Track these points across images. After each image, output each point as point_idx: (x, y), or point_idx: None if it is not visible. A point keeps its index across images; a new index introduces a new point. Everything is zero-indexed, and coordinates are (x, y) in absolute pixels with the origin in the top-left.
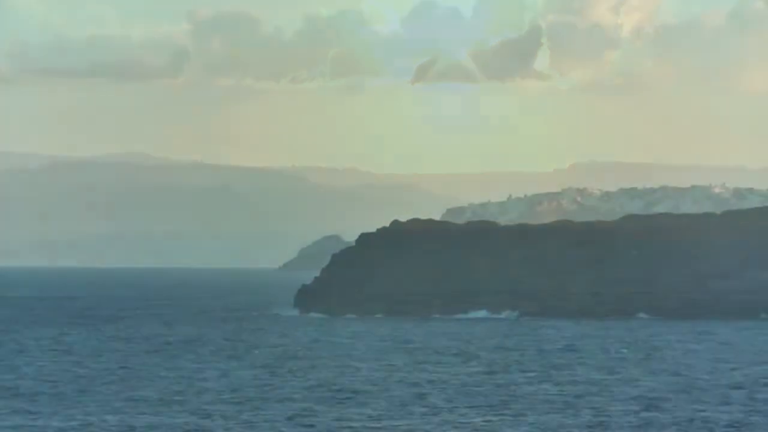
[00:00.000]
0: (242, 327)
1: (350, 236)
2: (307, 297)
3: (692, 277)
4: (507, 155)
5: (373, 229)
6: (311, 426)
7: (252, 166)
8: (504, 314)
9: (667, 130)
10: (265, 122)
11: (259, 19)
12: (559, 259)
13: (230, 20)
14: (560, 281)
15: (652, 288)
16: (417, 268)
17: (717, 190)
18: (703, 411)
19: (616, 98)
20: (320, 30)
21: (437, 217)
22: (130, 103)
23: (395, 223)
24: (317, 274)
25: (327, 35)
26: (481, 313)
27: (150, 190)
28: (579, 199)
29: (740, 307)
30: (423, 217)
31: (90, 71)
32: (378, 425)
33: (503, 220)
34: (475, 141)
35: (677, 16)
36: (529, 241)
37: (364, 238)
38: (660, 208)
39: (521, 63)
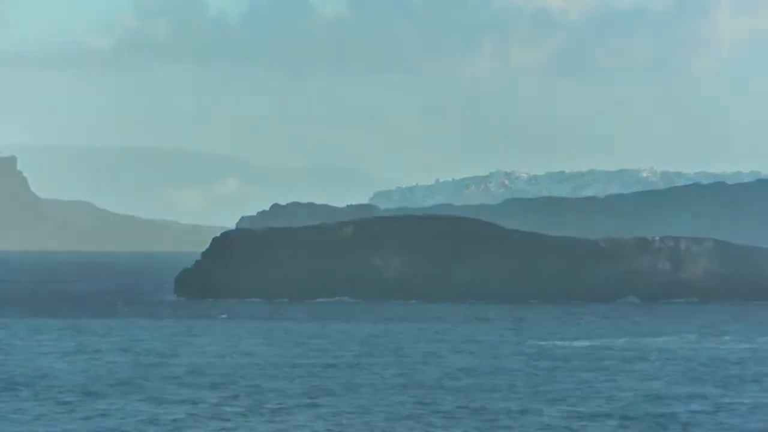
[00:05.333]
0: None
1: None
2: (185, 282)
3: (572, 262)
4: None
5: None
6: None
7: (192, 150)
8: (399, 301)
9: (612, 113)
10: (211, 106)
11: (207, 2)
12: (439, 245)
13: (176, 2)
14: (441, 267)
15: (533, 273)
16: (294, 252)
17: (645, 174)
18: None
19: (563, 82)
20: (265, 13)
21: (365, 200)
22: (74, 89)
23: (275, 206)
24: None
25: (272, 19)
26: (345, 298)
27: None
28: (506, 182)
29: (614, 291)
30: (352, 200)
31: (33, 54)
32: None
33: (430, 203)
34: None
35: (624, 1)
36: (410, 228)
37: (245, 222)
38: (588, 192)
39: (468, 47)
